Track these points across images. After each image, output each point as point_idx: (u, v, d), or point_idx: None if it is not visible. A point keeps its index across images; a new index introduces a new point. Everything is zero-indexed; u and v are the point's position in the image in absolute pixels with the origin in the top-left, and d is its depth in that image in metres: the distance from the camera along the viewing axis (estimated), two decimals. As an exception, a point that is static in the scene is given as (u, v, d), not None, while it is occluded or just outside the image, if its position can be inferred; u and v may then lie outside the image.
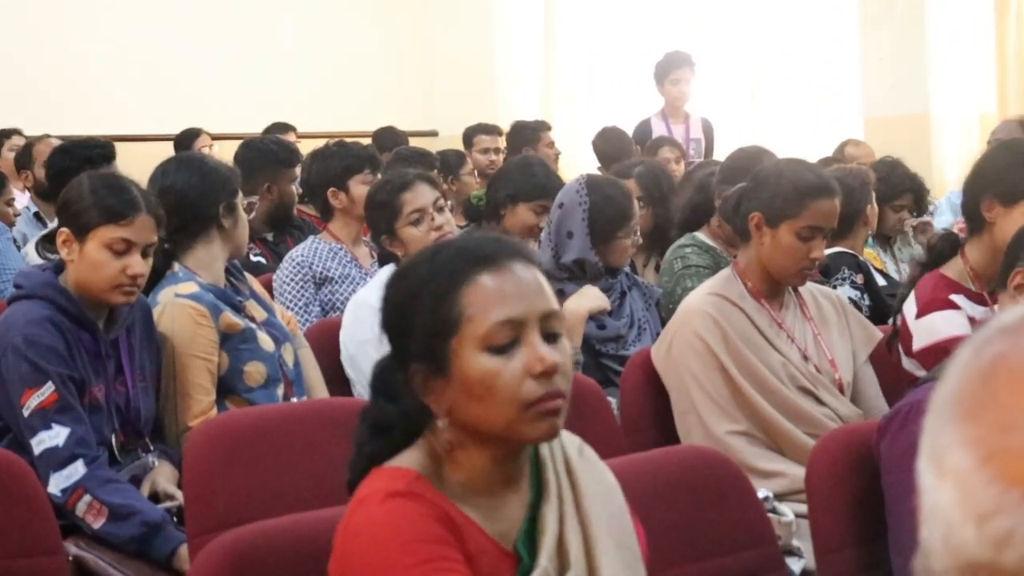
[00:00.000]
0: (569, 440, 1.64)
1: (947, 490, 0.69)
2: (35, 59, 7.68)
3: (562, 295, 3.35)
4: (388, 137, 7.04)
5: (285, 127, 7.24)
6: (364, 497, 1.49)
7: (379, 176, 3.99)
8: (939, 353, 2.87)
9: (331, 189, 4.02)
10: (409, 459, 1.53)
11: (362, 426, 1.59)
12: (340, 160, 4.05)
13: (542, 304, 1.51)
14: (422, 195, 3.34)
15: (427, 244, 3.18)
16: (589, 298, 3.33)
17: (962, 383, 0.71)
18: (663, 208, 4.32)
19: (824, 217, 2.75)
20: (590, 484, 1.59)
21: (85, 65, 7.87)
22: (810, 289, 2.97)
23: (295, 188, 4.60)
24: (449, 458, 1.53)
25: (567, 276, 3.38)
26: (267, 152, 4.54)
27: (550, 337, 1.51)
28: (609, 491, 1.63)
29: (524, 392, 1.47)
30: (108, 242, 2.62)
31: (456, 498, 1.51)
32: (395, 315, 1.55)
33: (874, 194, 4.11)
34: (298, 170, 4.52)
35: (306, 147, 4.65)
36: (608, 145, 6.44)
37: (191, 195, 2.98)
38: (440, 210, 3.35)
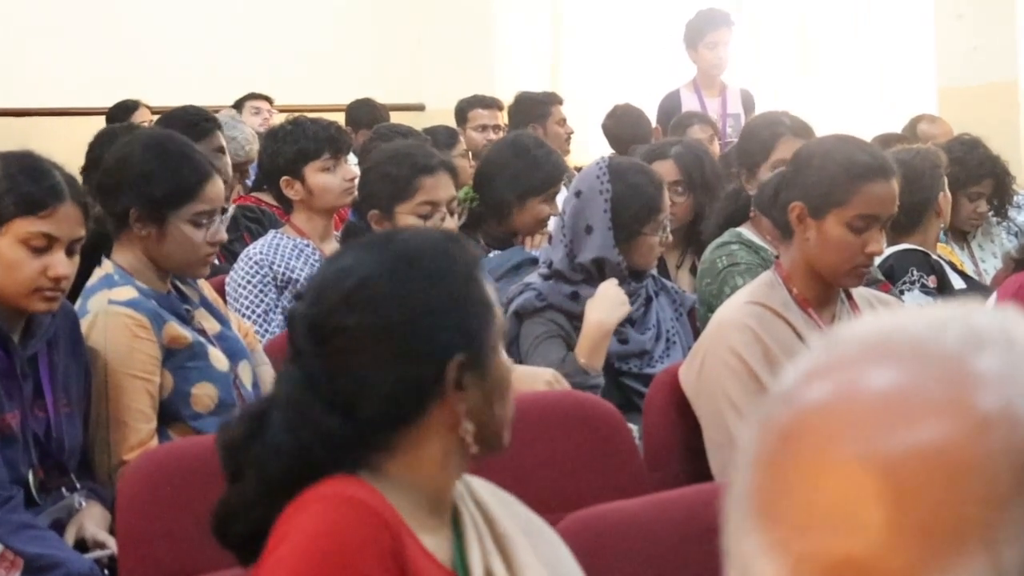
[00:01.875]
0: (480, 484, 1.81)
1: None
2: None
3: (576, 299, 3.34)
4: (364, 112, 7.03)
5: (259, 98, 7.31)
6: (311, 496, 1.59)
7: (349, 158, 3.99)
8: None
9: (284, 178, 4.02)
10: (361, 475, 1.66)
11: (275, 452, 1.63)
12: (293, 144, 4.02)
13: None
14: (443, 187, 3.34)
15: None
16: (613, 304, 3.31)
17: (752, 471, 0.71)
18: (706, 196, 4.30)
19: (879, 203, 2.75)
20: (505, 517, 1.75)
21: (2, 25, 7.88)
22: (865, 296, 2.96)
23: (225, 163, 4.58)
24: (411, 472, 1.66)
25: (583, 278, 3.37)
26: (177, 122, 4.54)
27: None
28: (531, 524, 1.80)
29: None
30: (25, 237, 2.61)
31: (405, 514, 1.64)
32: (434, 307, 1.66)
33: (946, 180, 4.10)
34: (218, 140, 4.48)
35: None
36: (621, 127, 6.43)
37: (104, 181, 3.00)
38: (452, 213, 3.34)
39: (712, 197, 4.23)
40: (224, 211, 3.02)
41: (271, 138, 4.17)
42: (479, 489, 1.77)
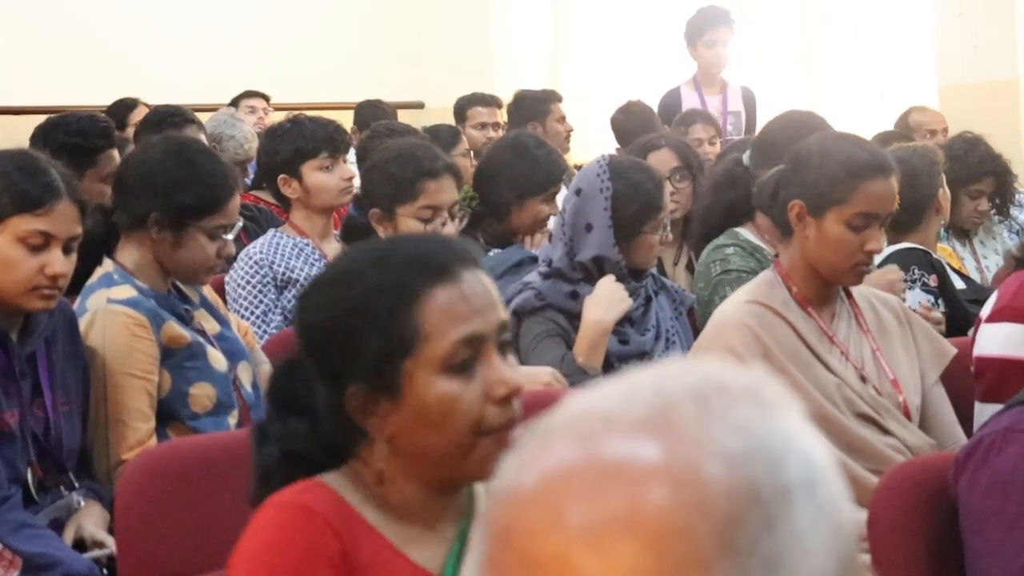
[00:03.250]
0: None
1: None
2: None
3: (575, 298, 3.34)
4: (372, 113, 7.04)
5: (255, 96, 7.34)
6: (271, 501, 1.61)
7: (345, 157, 3.99)
8: (996, 370, 2.87)
9: (281, 176, 4.02)
10: (331, 474, 1.64)
11: (266, 448, 1.66)
12: (291, 142, 4.03)
13: (500, 314, 1.63)
14: (446, 192, 3.35)
15: None
16: (612, 302, 3.31)
17: (482, 572, 0.73)
18: (702, 178, 4.31)
19: (879, 201, 2.75)
20: None
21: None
22: (866, 295, 2.96)
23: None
24: (376, 487, 1.63)
25: (582, 277, 3.36)
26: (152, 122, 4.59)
27: (504, 350, 1.63)
28: None
29: (484, 418, 1.59)
30: (22, 235, 2.61)
31: (370, 508, 1.62)
32: (332, 329, 1.62)
33: (944, 176, 4.09)
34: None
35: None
36: (631, 123, 6.42)
37: (127, 180, 3.00)
38: (453, 216, 3.34)
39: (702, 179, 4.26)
40: (235, 226, 3.03)
41: (270, 136, 4.18)
42: None
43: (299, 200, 4.03)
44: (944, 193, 4.07)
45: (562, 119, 6.75)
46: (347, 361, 1.60)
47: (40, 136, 4.18)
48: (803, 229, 2.79)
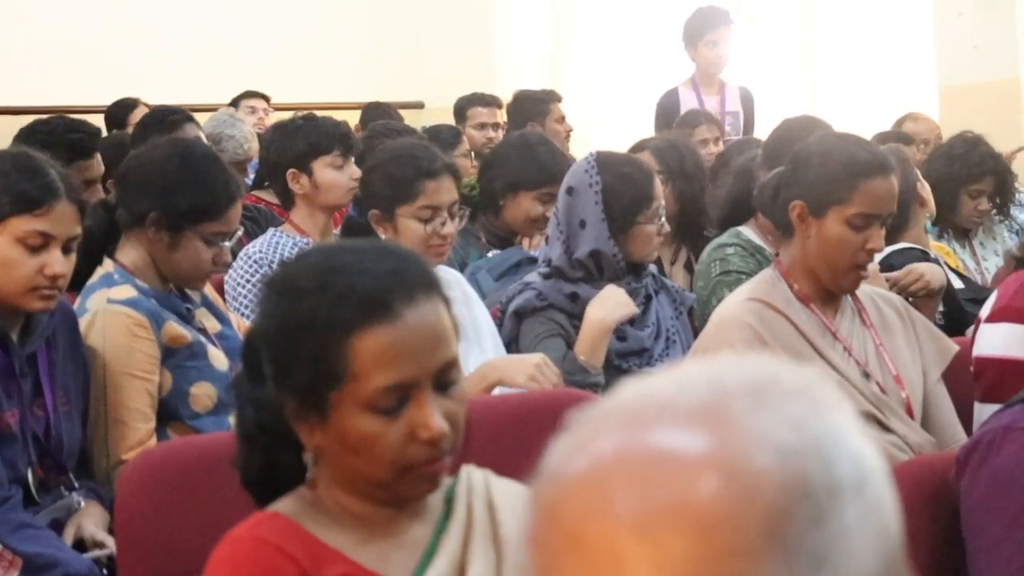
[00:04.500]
0: (498, 481, 1.74)
1: None
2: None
3: (575, 300, 3.34)
4: (378, 115, 7.04)
5: (255, 96, 7.37)
6: (227, 537, 1.63)
7: (348, 157, 4.00)
8: (996, 370, 2.87)
9: (291, 171, 4.03)
10: (285, 501, 1.66)
11: (245, 409, 1.68)
12: (304, 137, 4.05)
13: (440, 357, 1.58)
14: (445, 191, 3.35)
15: (423, 246, 3.21)
16: (615, 304, 3.31)
17: (527, 549, 0.73)
18: (688, 186, 4.31)
19: (880, 201, 2.75)
20: (513, 516, 1.68)
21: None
22: (869, 293, 2.96)
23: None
24: (323, 492, 1.66)
25: (581, 276, 3.37)
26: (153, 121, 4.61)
27: (445, 387, 1.60)
28: None
29: (406, 456, 1.58)
30: (21, 236, 2.61)
31: (331, 531, 1.63)
32: (270, 339, 1.62)
33: (917, 170, 4.09)
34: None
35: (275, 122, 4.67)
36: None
37: (129, 178, 3.00)
38: (453, 216, 3.35)
39: (696, 186, 4.24)
40: (234, 234, 3.03)
41: (281, 131, 4.18)
42: (498, 492, 1.72)
43: (305, 196, 4.03)
44: (922, 185, 4.07)
45: (562, 119, 6.76)
46: (280, 372, 1.60)
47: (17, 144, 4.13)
48: (805, 229, 2.79)
